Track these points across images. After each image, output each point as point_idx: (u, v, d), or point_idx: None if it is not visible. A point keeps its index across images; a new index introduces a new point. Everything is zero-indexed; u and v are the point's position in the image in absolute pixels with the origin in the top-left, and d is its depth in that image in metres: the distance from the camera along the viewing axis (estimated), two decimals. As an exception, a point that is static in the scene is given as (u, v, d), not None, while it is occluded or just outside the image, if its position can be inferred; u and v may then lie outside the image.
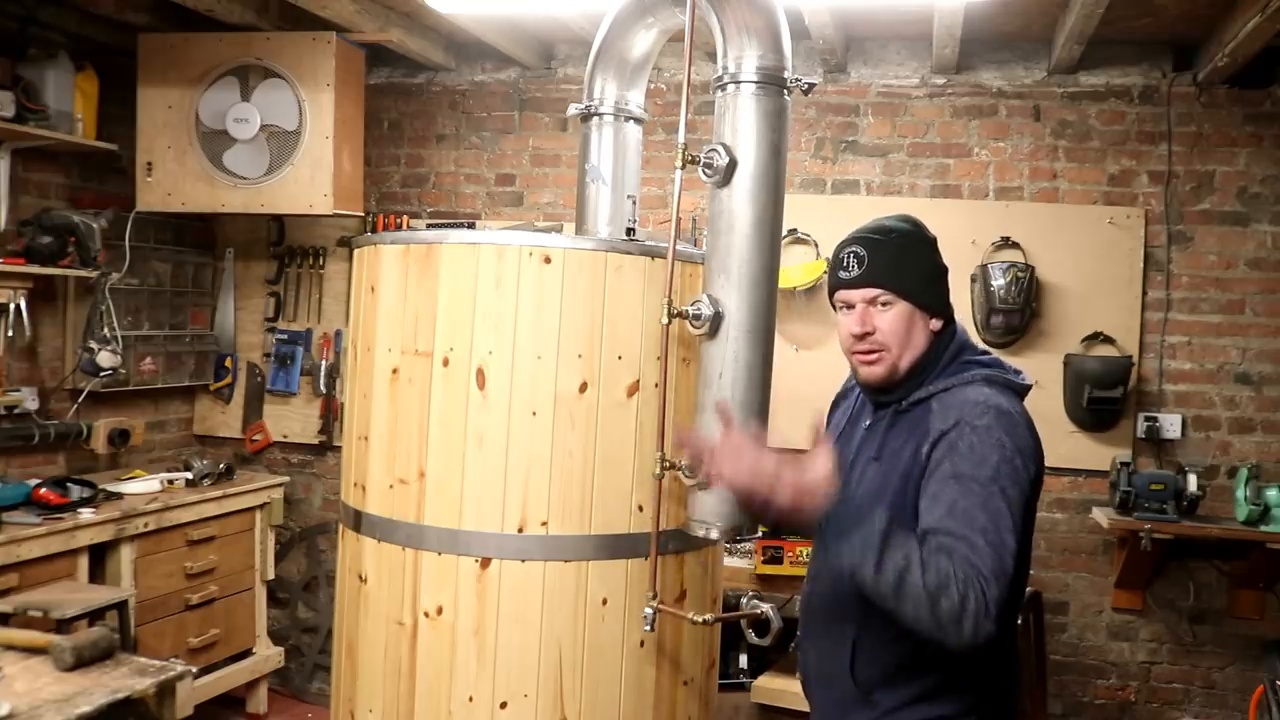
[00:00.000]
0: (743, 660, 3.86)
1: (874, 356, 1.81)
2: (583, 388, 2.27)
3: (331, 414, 4.65)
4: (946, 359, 1.81)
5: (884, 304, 1.80)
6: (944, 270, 1.87)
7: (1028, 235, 3.97)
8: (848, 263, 1.84)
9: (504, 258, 2.26)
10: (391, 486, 2.35)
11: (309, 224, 4.62)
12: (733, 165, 2.23)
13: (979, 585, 1.54)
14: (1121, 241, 3.93)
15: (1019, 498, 1.63)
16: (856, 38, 4.14)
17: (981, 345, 1.91)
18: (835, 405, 2.13)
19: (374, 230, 4.51)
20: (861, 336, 1.81)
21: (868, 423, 1.90)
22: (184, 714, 2.08)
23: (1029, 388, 1.83)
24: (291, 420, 4.73)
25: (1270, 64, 3.76)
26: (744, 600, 2.43)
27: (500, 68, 4.52)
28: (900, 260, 1.82)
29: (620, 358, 2.30)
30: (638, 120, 2.72)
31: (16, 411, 3.80)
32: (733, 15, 2.25)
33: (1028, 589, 3.62)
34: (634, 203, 2.72)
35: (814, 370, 3.80)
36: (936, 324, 1.83)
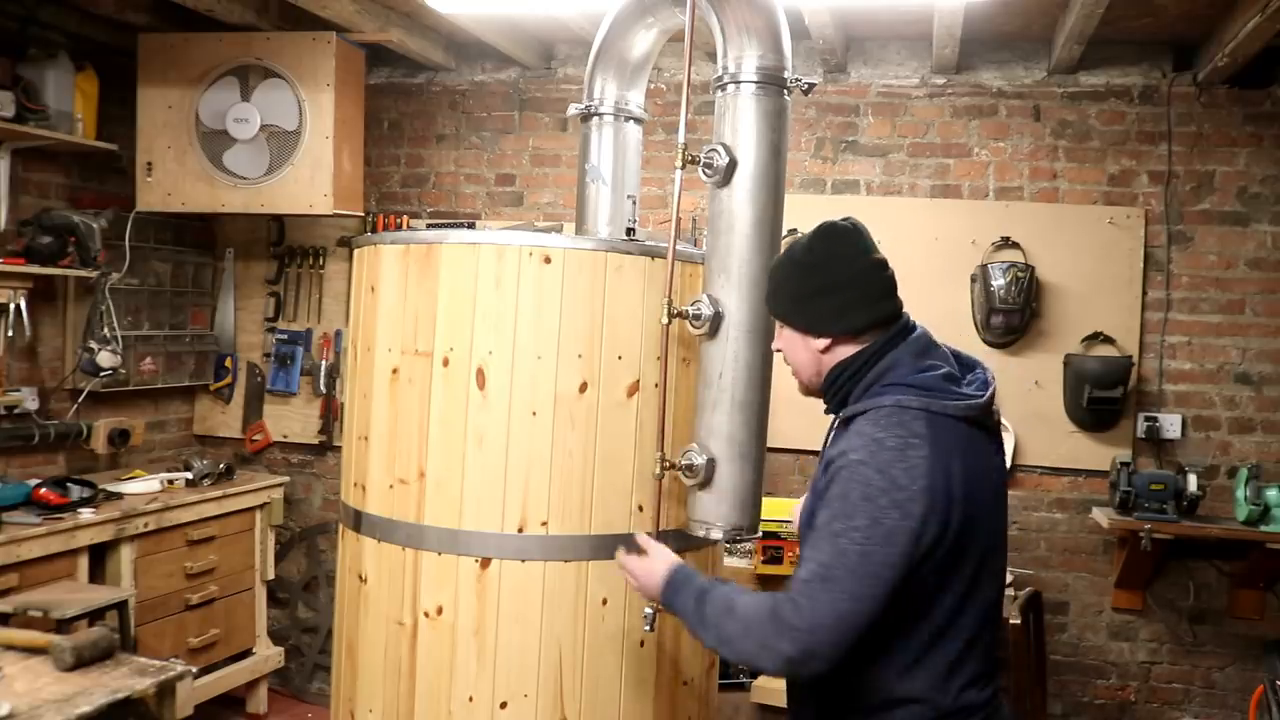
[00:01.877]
0: (743, 660, 3.86)
1: (793, 373, 1.90)
2: (583, 388, 2.27)
3: (331, 414, 4.65)
4: (872, 380, 1.75)
5: (780, 326, 1.89)
6: (823, 287, 1.78)
7: (1028, 235, 3.97)
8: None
9: (504, 258, 2.26)
10: (391, 486, 2.35)
11: (309, 224, 4.62)
12: (733, 165, 2.23)
13: (788, 630, 1.62)
14: (1121, 241, 3.93)
15: (879, 540, 1.59)
16: (856, 38, 4.13)
17: (933, 360, 1.76)
18: None
19: (374, 230, 4.51)
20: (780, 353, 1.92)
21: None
22: (184, 714, 2.08)
23: (965, 408, 1.70)
24: (291, 420, 4.73)
25: (1270, 64, 3.76)
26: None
27: (500, 68, 4.52)
28: (779, 285, 1.86)
29: (620, 358, 2.31)
30: (638, 120, 2.72)
31: (16, 411, 3.80)
32: (733, 15, 2.26)
33: (1027, 589, 3.64)
34: (634, 203, 2.72)
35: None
36: (821, 343, 1.79)
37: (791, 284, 1.82)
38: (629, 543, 2.07)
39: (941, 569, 1.65)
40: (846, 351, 1.79)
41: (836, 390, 1.81)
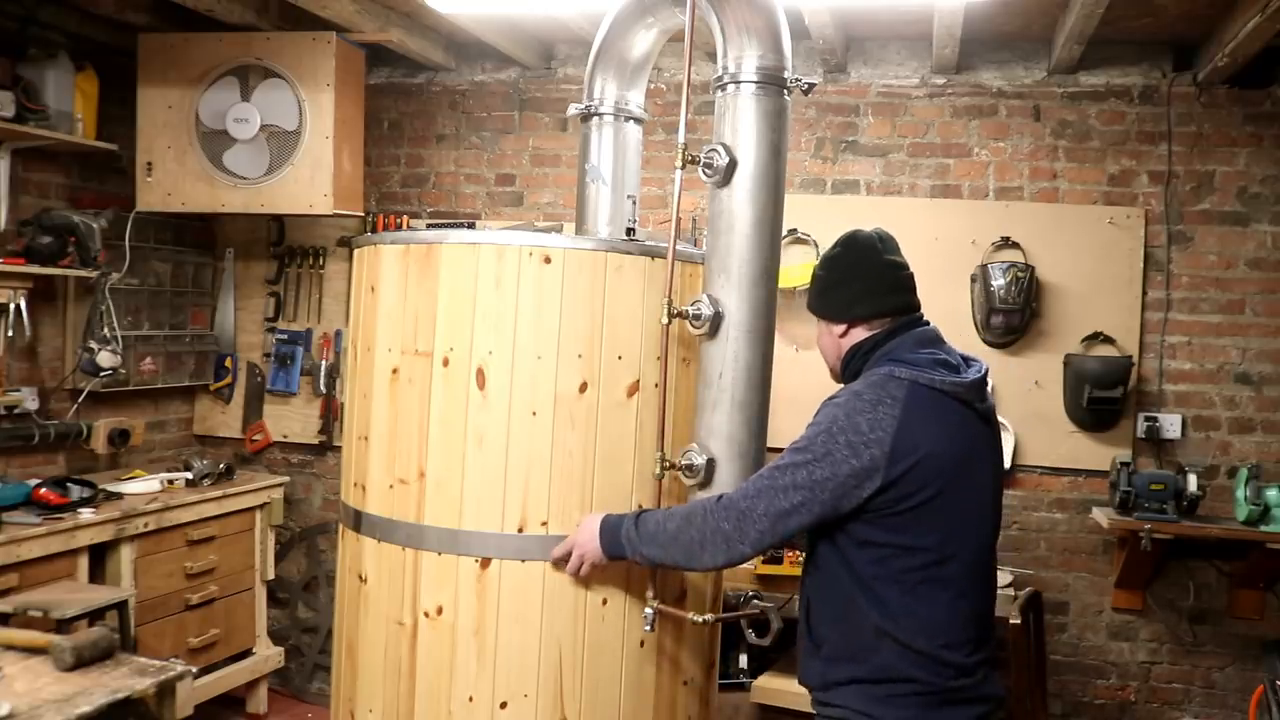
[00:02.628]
0: (743, 660, 3.87)
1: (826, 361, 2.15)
2: (583, 388, 2.27)
3: (331, 414, 4.65)
4: (875, 359, 1.98)
5: (816, 322, 2.13)
6: (843, 279, 2.04)
7: (1028, 235, 3.97)
8: None
9: (504, 258, 2.26)
10: (391, 486, 2.35)
11: (309, 224, 4.62)
12: (733, 165, 2.23)
13: (728, 508, 1.94)
14: (1121, 241, 3.93)
15: (825, 465, 1.85)
16: (856, 38, 4.14)
17: (933, 350, 1.97)
18: None
19: (374, 230, 4.51)
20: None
21: None
22: (184, 714, 2.08)
23: (951, 384, 1.91)
24: (291, 420, 4.73)
25: (1270, 64, 3.76)
26: (744, 600, 2.43)
27: (500, 68, 4.52)
28: (812, 282, 2.14)
29: (620, 358, 2.30)
30: (638, 120, 2.72)
31: (16, 411, 3.80)
32: (733, 15, 2.26)
33: (1027, 589, 3.64)
34: (634, 203, 2.72)
35: (814, 370, 3.78)
36: (839, 328, 2.05)
37: (818, 282, 2.10)
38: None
39: (908, 520, 1.85)
40: (860, 335, 2.03)
41: (850, 369, 2.03)
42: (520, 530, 2.26)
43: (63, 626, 3.00)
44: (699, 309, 2.24)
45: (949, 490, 1.86)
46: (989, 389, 2.01)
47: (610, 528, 2.12)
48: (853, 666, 1.91)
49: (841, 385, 2.04)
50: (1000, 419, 3.89)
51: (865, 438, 1.84)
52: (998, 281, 3.84)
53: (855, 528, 1.89)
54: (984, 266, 3.90)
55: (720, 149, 2.23)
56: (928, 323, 2.05)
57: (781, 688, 3.46)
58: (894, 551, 1.87)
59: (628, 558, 2.11)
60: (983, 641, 1.95)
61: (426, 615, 2.29)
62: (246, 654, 4.24)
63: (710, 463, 2.25)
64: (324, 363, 4.65)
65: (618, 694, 2.33)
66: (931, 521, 1.86)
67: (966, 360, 2.01)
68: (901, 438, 1.83)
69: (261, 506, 4.26)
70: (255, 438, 4.76)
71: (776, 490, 1.89)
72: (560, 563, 2.22)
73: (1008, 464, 3.95)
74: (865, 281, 2.02)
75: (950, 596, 1.89)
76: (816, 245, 4.07)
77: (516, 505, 2.26)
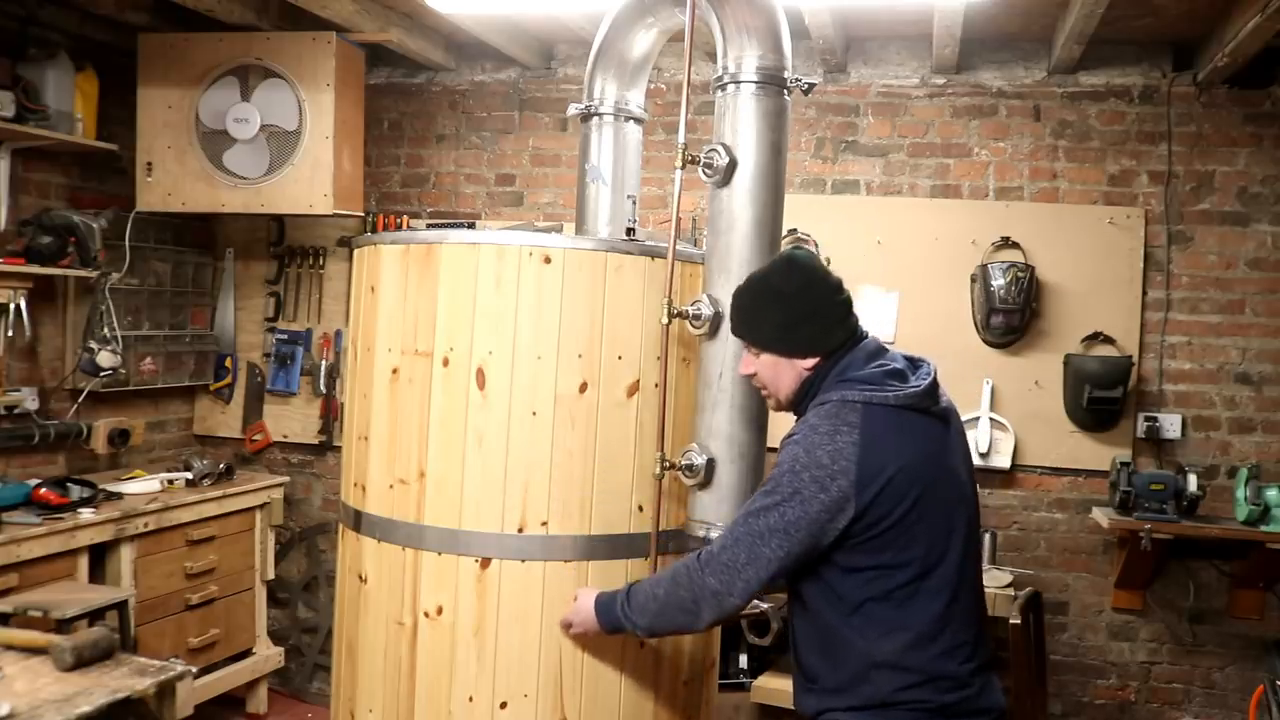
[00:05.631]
0: (743, 660, 3.87)
1: (764, 393, 2.10)
2: (583, 388, 2.27)
3: (331, 414, 4.65)
4: (829, 384, 1.96)
5: (755, 352, 2.05)
6: (809, 313, 1.98)
7: (1028, 235, 3.97)
8: (731, 311, 2.12)
9: (504, 258, 2.26)
10: (391, 486, 2.35)
11: (309, 224, 4.62)
12: (733, 165, 2.23)
13: (711, 563, 1.94)
14: (1121, 241, 3.93)
15: (796, 505, 1.85)
16: (856, 38, 4.13)
17: (881, 361, 1.97)
18: None
19: (374, 230, 4.51)
20: (749, 377, 2.09)
21: None
22: (184, 714, 2.08)
23: (903, 398, 1.90)
24: (291, 420, 4.73)
25: (1270, 64, 3.76)
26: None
27: (500, 68, 4.52)
28: (757, 315, 2.03)
29: (620, 358, 2.30)
30: (638, 120, 2.72)
31: (16, 411, 3.79)
32: (733, 15, 2.26)
33: (1027, 589, 3.64)
34: (634, 203, 2.72)
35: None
36: (809, 362, 2.00)
37: (778, 314, 2.00)
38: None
39: (889, 540, 1.85)
40: (821, 363, 2.00)
41: (802, 400, 2.02)
42: (520, 530, 2.26)
43: (63, 626, 3.00)
44: (699, 309, 2.24)
45: (924, 500, 1.86)
46: (940, 389, 2.00)
47: (605, 608, 2.13)
48: (848, 698, 1.90)
49: (788, 413, 2.06)
50: (1000, 418, 3.96)
51: (829, 470, 1.84)
52: (998, 281, 3.84)
53: (839, 556, 1.88)
54: (984, 266, 3.90)
55: (720, 149, 2.23)
56: (866, 334, 2.04)
57: (781, 688, 3.46)
58: (880, 572, 1.87)
59: (629, 633, 2.12)
60: (979, 644, 1.94)
61: (426, 615, 2.29)
62: (246, 654, 4.24)
63: (710, 463, 2.25)
64: (324, 363, 4.65)
65: (618, 694, 2.33)
66: (912, 535, 1.86)
67: (914, 363, 2.01)
68: (866, 462, 1.83)
69: (261, 506, 4.26)
70: (255, 438, 4.76)
71: (754, 537, 1.89)
72: (564, 625, 2.26)
73: (1008, 464, 3.95)
74: (826, 315, 2.00)
75: (941, 604, 1.88)
76: (816, 245, 4.07)
77: (516, 505, 2.26)
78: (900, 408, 1.90)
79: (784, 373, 2.02)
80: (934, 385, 1.97)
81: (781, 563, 1.88)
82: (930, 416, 1.95)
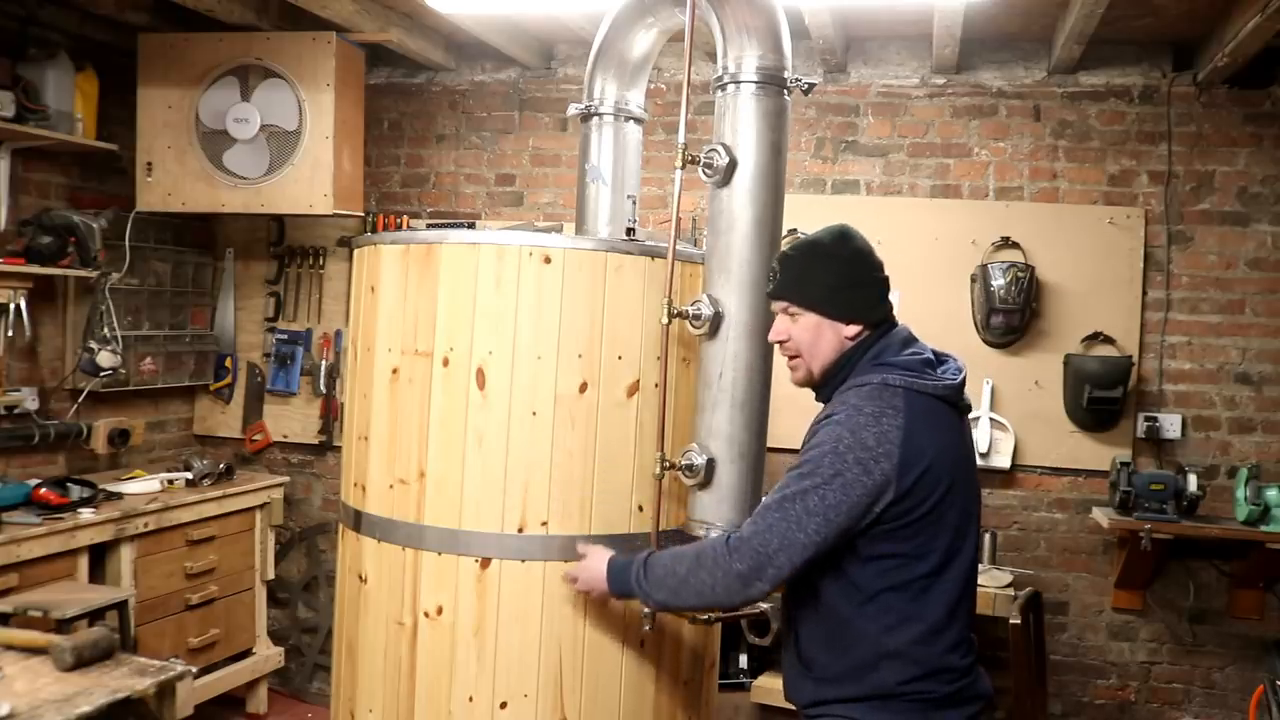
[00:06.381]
0: (743, 660, 3.87)
1: (793, 362, 2.03)
2: (583, 388, 2.27)
3: (331, 414, 4.65)
4: (866, 362, 1.94)
5: (793, 315, 1.99)
6: (860, 280, 1.98)
7: (1028, 235, 3.97)
8: (770, 275, 2.06)
9: (504, 258, 2.26)
10: (391, 486, 2.35)
11: (309, 224, 4.62)
12: (733, 165, 2.23)
13: (741, 547, 1.87)
14: (1121, 241, 3.93)
15: (837, 488, 1.81)
16: (856, 38, 4.13)
17: (915, 349, 1.96)
18: None
19: (374, 230, 4.51)
20: (780, 344, 2.03)
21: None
22: (184, 714, 2.08)
23: (943, 388, 1.90)
24: (291, 420, 4.73)
25: (1270, 64, 3.76)
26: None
27: (500, 68, 4.52)
28: (805, 274, 1.98)
29: (620, 358, 2.31)
30: (638, 120, 2.73)
31: (16, 411, 3.79)
32: (733, 15, 2.26)
33: (1027, 589, 3.64)
34: (634, 203, 2.72)
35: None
36: (852, 330, 1.96)
37: (830, 275, 1.97)
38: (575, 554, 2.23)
39: (919, 528, 1.84)
40: (864, 335, 1.97)
41: (835, 374, 1.98)
42: (520, 530, 2.26)
43: (63, 626, 3.00)
44: (699, 309, 2.24)
45: (951, 492, 1.86)
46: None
47: (618, 570, 2.08)
48: (848, 686, 1.89)
49: (813, 390, 2.03)
50: (1000, 418, 3.96)
51: (874, 452, 1.81)
52: (998, 281, 3.84)
53: (863, 543, 1.85)
54: (984, 266, 3.90)
55: (720, 149, 2.23)
56: (898, 322, 2.03)
57: (781, 687, 3.46)
58: (902, 561, 1.85)
59: (637, 600, 2.08)
60: (973, 639, 1.97)
61: (426, 615, 2.29)
62: (246, 654, 4.24)
63: (710, 463, 2.25)
64: (324, 363, 4.65)
65: (618, 694, 2.33)
66: (938, 526, 1.86)
67: (939, 357, 2.00)
68: (908, 447, 1.81)
69: (261, 506, 4.26)
70: (255, 438, 4.76)
71: (789, 522, 1.83)
72: (569, 579, 2.23)
73: (1008, 464, 3.96)
74: (872, 287, 1.99)
75: (954, 598, 1.89)
76: (816, 245, 4.06)
77: (516, 505, 2.26)
78: (937, 398, 1.90)
79: (825, 337, 1.97)
80: (964, 381, 1.98)
81: (818, 548, 1.83)
82: (958, 411, 1.96)
